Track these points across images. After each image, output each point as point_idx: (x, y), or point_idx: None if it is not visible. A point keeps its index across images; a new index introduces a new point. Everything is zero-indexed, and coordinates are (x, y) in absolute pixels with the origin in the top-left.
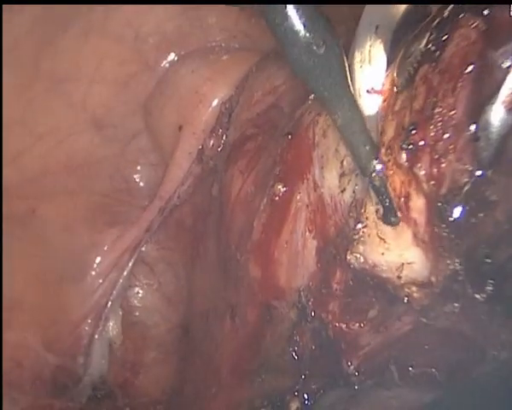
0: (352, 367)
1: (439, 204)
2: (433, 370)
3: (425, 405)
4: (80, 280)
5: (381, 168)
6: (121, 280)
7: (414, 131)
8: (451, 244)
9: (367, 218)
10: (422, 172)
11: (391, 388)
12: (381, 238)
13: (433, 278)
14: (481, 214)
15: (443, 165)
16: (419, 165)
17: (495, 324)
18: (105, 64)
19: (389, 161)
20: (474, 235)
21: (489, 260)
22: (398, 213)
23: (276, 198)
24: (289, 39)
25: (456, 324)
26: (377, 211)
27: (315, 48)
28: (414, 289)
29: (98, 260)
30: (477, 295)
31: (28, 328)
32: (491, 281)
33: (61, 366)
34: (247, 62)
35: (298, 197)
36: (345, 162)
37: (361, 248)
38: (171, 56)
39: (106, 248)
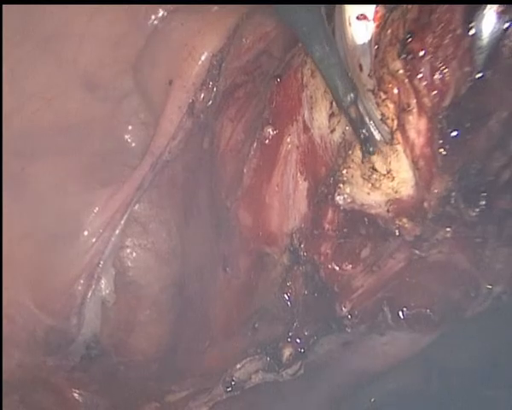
0: (345, 310)
1: (441, 118)
2: (428, 310)
3: (420, 350)
4: (72, 240)
5: (357, 98)
6: (113, 239)
7: (411, 40)
8: (447, 162)
9: (352, 160)
10: (424, 83)
11: (385, 332)
12: (364, 179)
13: (425, 204)
14: (478, 125)
15: (446, 72)
16: (419, 75)
17: (488, 250)
18: (95, 21)
19: (383, 74)
20: (470, 149)
21: (482, 173)
22: (378, 139)
23: (266, 141)
24: None
25: (450, 255)
26: (363, 154)
27: None
28: (405, 220)
29: (90, 219)
30: (470, 211)
31: (20, 287)
32: (483, 194)
33: (53, 325)
34: (236, 13)
35: (288, 139)
36: (334, 103)
37: (347, 188)
38: (161, 12)
39: (98, 208)
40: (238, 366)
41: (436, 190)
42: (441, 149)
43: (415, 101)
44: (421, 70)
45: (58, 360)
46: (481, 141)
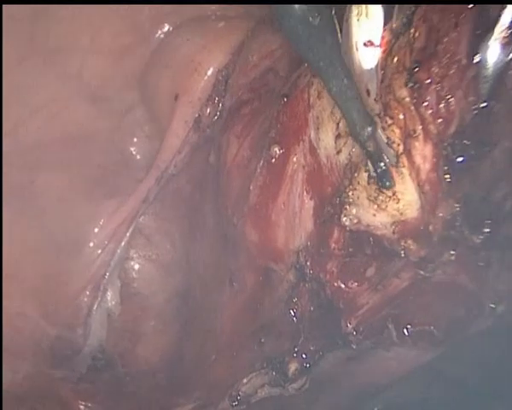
0: (350, 327)
1: (447, 145)
2: (432, 327)
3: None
4: (78, 252)
5: (374, 132)
6: (119, 251)
7: (417, 69)
8: (452, 188)
9: (358, 182)
10: (429, 112)
11: (389, 348)
12: (370, 200)
13: (430, 227)
14: (482, 154)
15: (451, 101)
16: (425, 104)
17: (492, 272)
18: (101, 35)
19: (389, 100)
20: (474, 176)
21: (486, 201)
22: (394, 174)
23: (273, 160)
24: (286, 11)
25: (454, 276)
26: (369, 176)
27: (310, 19)
28: (410, 241)
29: (96, 231)
30: (474, 238)
31: (27, 299)
32: (487, 221)
33: (60, 336)
34: (242, 29)
35: (294, 159)
36: (341, 124)
37: (354, 210)
38: (166, 27)
39: (103, 220)
40: (245, 380)
41: (441, 214)
42: (446, 175)
43: (420, 127)
44: (428, 98)
45: (64, 372)
46: (485, 169)
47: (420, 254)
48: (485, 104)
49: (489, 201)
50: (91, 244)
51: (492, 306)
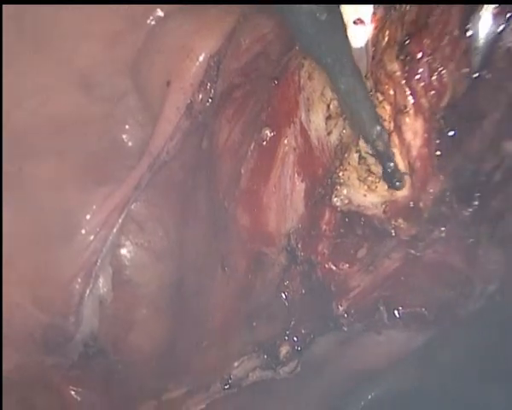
0: (341, 309)
1: (438, 118)
2: (423, 309)
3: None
4: (70, 239)
5: (383, 131)
6: (111, 238)
7: (409, 42)
8: (442, 163)
9: (349, 163)
10: (421, 84)
11: (381, 331)
12: (360, 181)
13: (421, 204)
14: (473, 126)
15: (443, 73)
16: (417, 77)
17: (482, 250)
18: (92, 21)
19: (380, 75)
20: (464, 150)
21: (475, 174)
22: (405, 175)
23: (264, 143)
24: (293, 7)
25: (444, 256)
26: (359, 157)
27: (318, 15)
28: (400, 220)
29: (87, 218)
30: (463, 211)
31: (18, 287)
32: (476, 194)
33: (52, 324)
34: (234, 14)
35: (285, 141)
36: (331, 105)
37: (344, 190)
38: (158, 13)
39: (95, 207)
40: (236, 363)
41: (431, 190)
42: (437, 150)
43: (412, 102)
44: (419, 71)
45: (56, 359)
46: (475, 142)
47: (410, 233)
48: (476, 75)
49: (478, 173)
50: (83, 231)
51: (483, 287)
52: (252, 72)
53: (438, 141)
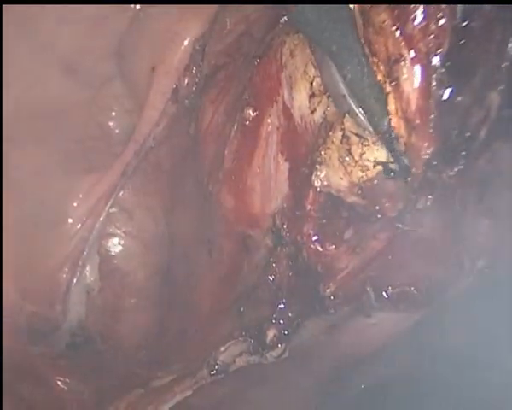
0: (328, 291)
1: (436, 69)
2: (412, 288)
3: (406, 332)
4: (56, 228)
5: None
6: (98, 226)
7: None
8: (436, 121)
9: (332, 141)
10: (418, 27)
11: (370, 314)
12: (340, 162)
13: (414, 170)
14: (465, 81)
15: (441, 17)
16: (411, 20)
17: (469, 220)
18: (74, 5)
19: (370, 33)
20: (456, 104)
21: (462, 131)
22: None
23: (247, 123)
24: None
25: (432, 231)
26: (343, 135)
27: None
28: (384, 200)
29: (74, 206)
30: (449, 171)
31: (4, 275)
32: (462, 153)
33: (38, 313)
34: None
35: (268, 120)
36: (314, 83)
37: (324, 170)
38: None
39: (82, 195)
40: (222, 348)
41: (427, 152)
42: (435, 105)
43: (407, 49)
44: (412, 15)
45: (43, 348)
46: (466, 96)
47: (397, 208)
48: (465, 24)
49: (464, 129)
50: (70, 220)
51: (472, 262)
52: (235, 52)
53: (436, 93)
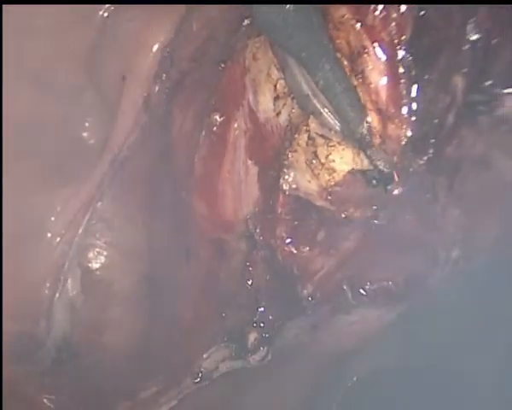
0: (305, 293)
1: (401, 57)
2: (389, 283)
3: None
4: (36, 243)
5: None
6: (77, 239)
7: None
8: (409, 109)
9: (298, 143)
10: (380, 17)
11: (351, 311)
12: (307, 165)
13: (395, 158)
14: (429, 66)
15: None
16: (372, 11)
17: (439, 207)
18: (39, 16)
19: (331, 29)
20: (423, 92)
21: (429, 118)
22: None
23: (214, 129)
24: None
25: (404, 224)
26: (309, 137)
27: (287, 6)
28: (352, 210)
29: (52, 220)
30: (418, 160)
31: None
32: (431, 140)
33: (22, 331)
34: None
35: (235, 125)
36: (278, 85)
37: (292, 173)
38: (109, 5)
39: (59, 208)
40: (205, 355)
41: (404, 140)
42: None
43: (370, 41)
44: (373, 6)
45: (28, 367)
46: (432, 84)
47: (366, 215)
48: (422, 13)
49: (432, 117)
50: (49, 234)
51: (447, 253)
52: (201, 57)
53: (403, 80)
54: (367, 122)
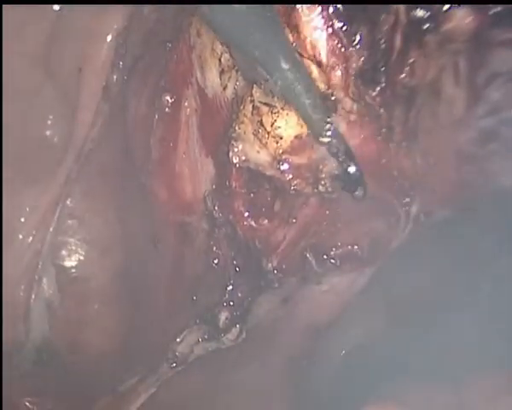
0: (270, 266)
1: None
2: (354, 247)
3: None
4: (8, 246)
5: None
6: (49, 237)
7: None
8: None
9: (244, 114)
10: None
11: (320, 281)
12: (255, 135)
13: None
14: None
15: None
16: None
17: (395, 142)
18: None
19: None
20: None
21: (375, 44)
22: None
23: (166, 110)
24: None
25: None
26: (253, 106)
27: (236, 6)
28: (298, 181)
29: (22, 221)
30: (371, 91)
31: None
32: (381, 69)
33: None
34: None
35: (186, 104)
36: (222, 59)
37: (240, 145)
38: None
39: (28, 208)
40: (178, 339)
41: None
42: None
43: None
44: None
45: (8, 371)
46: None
47: (316, 188)
48: None
49: (378, 41)
50: (20, 236)
51: (407, 208)
52: (151, 40)
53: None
54: (331, 124)
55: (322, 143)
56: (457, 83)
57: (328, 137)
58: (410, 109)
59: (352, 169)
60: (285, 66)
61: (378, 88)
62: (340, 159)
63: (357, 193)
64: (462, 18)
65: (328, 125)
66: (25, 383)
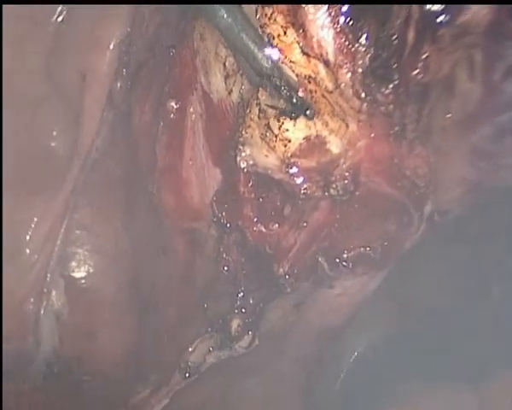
0: (281, 271)
1: None
2: (367, 249)
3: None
4: (16, 260)
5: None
6: (56, 249)
7: None
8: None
9: (251, 118)
10: None
11: (332, 284)
12: (262, 139)
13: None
14: None
15: None
16: None
17: (406, 146)
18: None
19: None
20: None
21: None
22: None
23: (171, 116)
24: None
25: (374, 188)
26: (259, 110)
27: None
28: (308, 184)
29: (30, 234)
30: (383, 88)
31: None
32: (394, 66)
33: (10, 349)
34: None
35: (191, 109)
36: (227, 63)
37: (248, 149)
38: (61, 7)
39: (36, 220)
40: (190, 349)
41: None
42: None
43: None
44: None
45: (19, 385)
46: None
47: (325, 191)
48: None
49: (391, 36)
50: (27, 249)
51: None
52: (155, 45)
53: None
54: (271, 59)
55: (267, 80)
56: (472, 77)
57: (271, 70)
58: (423, 106)
59: (296, 97)
60: (224, 8)
61: (391, 85)
62: (284, 91)
63: (307, 113)
64: (479, 9)
65: (268, 61)
66: (36, 397)
